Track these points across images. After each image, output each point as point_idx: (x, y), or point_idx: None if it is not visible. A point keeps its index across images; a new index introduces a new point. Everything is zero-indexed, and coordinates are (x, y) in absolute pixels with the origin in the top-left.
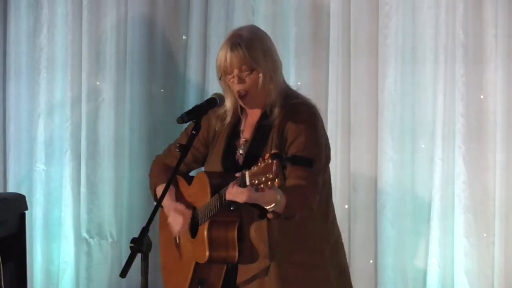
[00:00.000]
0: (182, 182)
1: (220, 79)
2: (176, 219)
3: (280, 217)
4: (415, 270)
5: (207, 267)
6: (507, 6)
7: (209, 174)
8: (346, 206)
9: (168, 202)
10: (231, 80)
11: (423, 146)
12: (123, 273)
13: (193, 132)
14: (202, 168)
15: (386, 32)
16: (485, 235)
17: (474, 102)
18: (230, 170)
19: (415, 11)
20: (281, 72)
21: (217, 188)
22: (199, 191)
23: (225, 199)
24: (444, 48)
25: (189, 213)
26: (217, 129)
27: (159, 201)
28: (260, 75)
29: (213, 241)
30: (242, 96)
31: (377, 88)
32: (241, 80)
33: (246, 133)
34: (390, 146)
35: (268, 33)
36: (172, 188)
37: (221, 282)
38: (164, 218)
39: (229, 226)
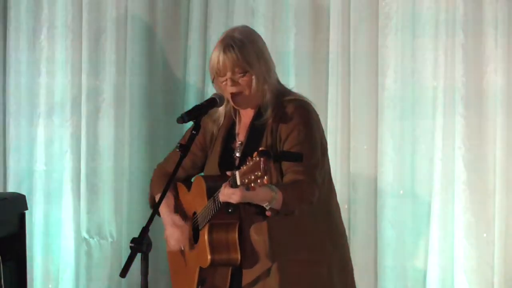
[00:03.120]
0: (182, 188)
1: (213, 81)
2: (173, 233)
3: (279, 214)
4: (415, 270)
5: (212, 271)
6: (506, 6)
7: (206, 177)
8: (346, 206)
9: (166, 215)
10: (224, 82)
11: (423, 146)
12: (123, 273)
13: (193, 132)
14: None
15: (386, 32)
16: (485, 235)
17: (474, 103)
18: None
19: (415, 11)
20: (274, 72)
21: (213, 191)
22: (197, 196)
23: (219, 201)
24: (444, 48)
25: (186, 226)
26: (214, 132)
27: (155, 207)
28: (253, 77)
29: (214, 244)
30: (234, 96)
31: (377, 88)
32: (234, 83)
33: (241, 135)
34: (390, 146)
35: (268, 34)
36: (170, 197)
37: (227, 285)
38: None
39: (229, 228)
